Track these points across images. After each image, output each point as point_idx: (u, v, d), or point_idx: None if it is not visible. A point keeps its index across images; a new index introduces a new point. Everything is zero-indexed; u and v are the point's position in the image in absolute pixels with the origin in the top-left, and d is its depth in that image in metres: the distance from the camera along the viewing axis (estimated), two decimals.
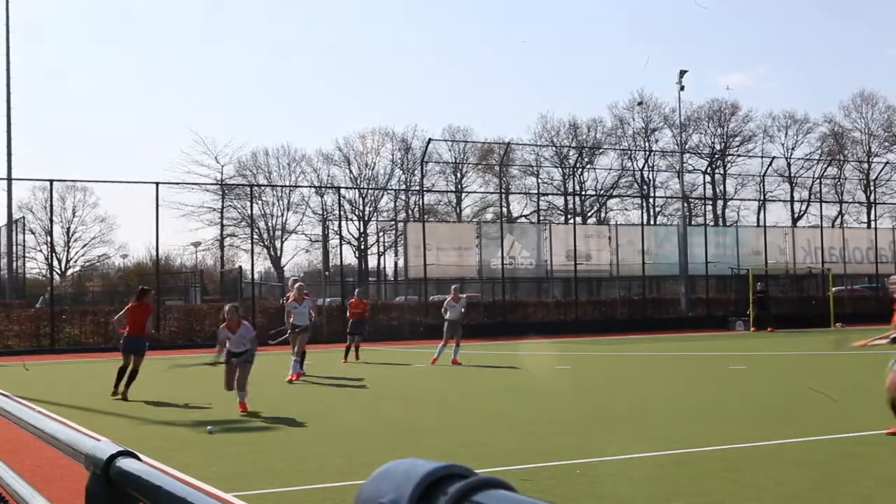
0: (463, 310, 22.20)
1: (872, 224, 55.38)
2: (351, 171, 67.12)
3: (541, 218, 60.62)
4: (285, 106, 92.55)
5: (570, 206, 66.13)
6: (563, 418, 12.55)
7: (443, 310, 22.43)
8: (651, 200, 64.13)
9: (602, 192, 66.34)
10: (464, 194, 64.86)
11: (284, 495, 7.92)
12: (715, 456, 9.39)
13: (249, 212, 55.10)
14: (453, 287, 23.61)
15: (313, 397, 15.58)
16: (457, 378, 18.77)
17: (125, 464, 2.12)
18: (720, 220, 63.55)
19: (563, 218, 63.14)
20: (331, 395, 15.97)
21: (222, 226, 58.01)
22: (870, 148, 69.15)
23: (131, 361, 16.18)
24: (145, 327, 16.99)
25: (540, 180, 63.87)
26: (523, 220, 61.73)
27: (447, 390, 16.47)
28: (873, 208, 57.00)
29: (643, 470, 8.72)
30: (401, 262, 54.41)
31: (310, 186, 64.02)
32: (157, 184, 34.66)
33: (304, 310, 18.71)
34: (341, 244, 56.36)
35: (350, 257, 64.63)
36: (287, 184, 64.51)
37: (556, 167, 65.82)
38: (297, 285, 19.16)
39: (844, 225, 56.47)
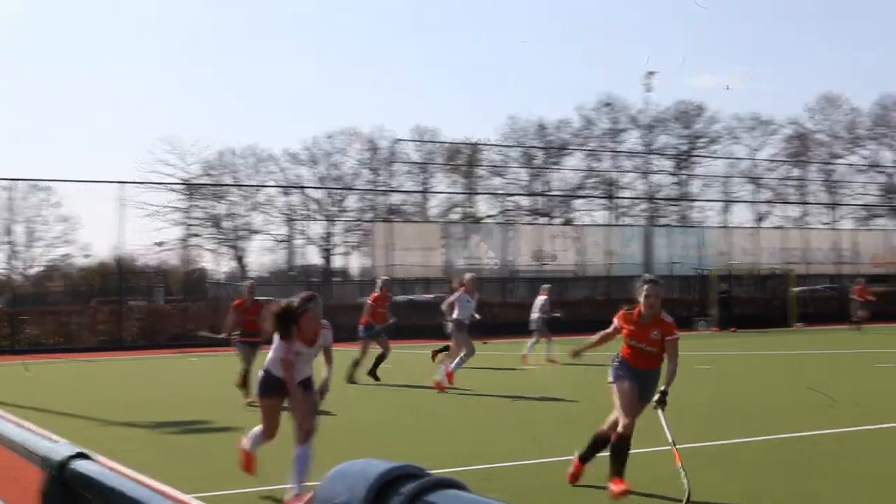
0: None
1: (835, 225, 56.02)
2: (318, 171, 67.00)
3: (507, 218, 60.77)
4: (252, 105, 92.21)
5: (537, 206, 66.32)
6: (527, 418, 12.58)
7: (540, 307, 23.01)
8: (617, 201, 64.49)
9: (568, 192, 66.60)
10: (430, 194, 64.92)
11: (236, 497, 7.87)
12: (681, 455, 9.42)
13: (215, 211, 54.88)
14: (544, 286, 23.92)
15: None
16: (424, 379, 18.75)
17: (80, 465, 2.08)
18: (685, 220, 64.00)
19: (529, 218, 63.30)
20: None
21: (187, 225, 57.71)
22: (833, 150, 69.91)
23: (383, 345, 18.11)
24: (385, 316, 18.46)
25: (506, 180, 64.02)
26: (489, 220, 61.86)
27: (415, 390, 16.45)
28: (836, 209, 57.66)
29: (603, 469, 8.75)
30: (367, 262, 54.37)
31: (276, 186, 63.83)
32: (122, 183, 34.40)
33: (473, 305, 17.43)
34: (307, 244, 56.20)
35: (316, 257, 64.52)
36: (253, 183, 64.29)
37: (523, 167, 66.00)
38: (471, 276, 17.97)
39: (807, 226, 57.05)
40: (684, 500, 6.86)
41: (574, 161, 67.61)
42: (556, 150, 65.79)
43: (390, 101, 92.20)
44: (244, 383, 14.49)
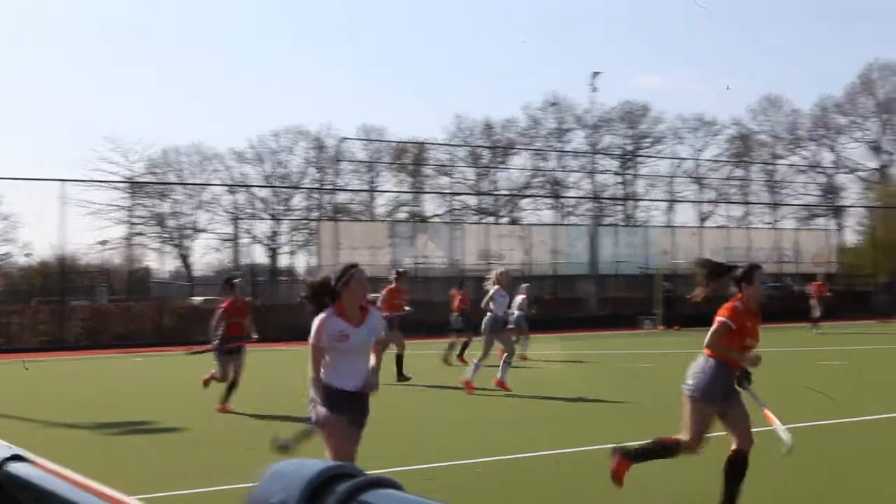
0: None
1: (776, 224, 56.92)
2: (264, 170, 66.62)
3: (454, 217, 60.86)
4: (198, 103, 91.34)
5: (483, 205, 66.52)
6: (475, 416, 12.61)
7: (518, 305, 22.87)
8: (563, 200, 64.89)
9: (515, 191, 66.89)
10: (377, 193, 64.83)
11: (180, 498, 7.81)
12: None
13: (159, 210, 54.31)
14: (523, 285, 23.97)
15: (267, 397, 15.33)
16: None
17: (16, 468, 2.05)
18: (630, 220, 64.60)
19: (476, 217, 63.46)
20: (273, 393, 15.73)
21: (131, 224, 57.01)
22: (774, 150, 70.96)
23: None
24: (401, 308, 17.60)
25: (453, 180, 64.14)
26: (436, 219, 61.89)
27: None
28: (777, 209, 58.55)
29: (545, 467, 8.80)
30: (313, 262, 54.16)
31: (221, 185, 63.33)
32: (63, 181, 33.87)
33: (507, 301, 16.16)
34: (253, 243, 55.87)
35: (262, 256, 64.13)
36: (198, 182, 63.71)
37: (470, 167, 66.18)
38: (501, 270, 16.37)
39: (750, 225, 57.88)
40: (786, 451, 7.08)
41: (520, 160, 68.01)
42: (503, 150, 66.08)
43: (337, 99, 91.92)
44: (207, 384, 13.72)
